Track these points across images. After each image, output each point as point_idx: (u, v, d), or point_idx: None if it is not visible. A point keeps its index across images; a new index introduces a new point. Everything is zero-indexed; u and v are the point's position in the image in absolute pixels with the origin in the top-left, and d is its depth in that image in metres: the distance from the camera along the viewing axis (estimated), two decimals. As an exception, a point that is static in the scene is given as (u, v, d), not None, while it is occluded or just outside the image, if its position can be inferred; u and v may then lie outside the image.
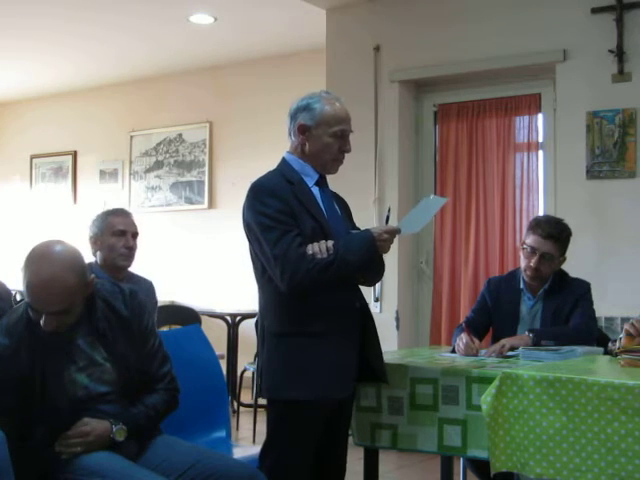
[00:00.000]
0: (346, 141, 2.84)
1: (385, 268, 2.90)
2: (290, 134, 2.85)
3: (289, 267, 2.61)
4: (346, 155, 2.89)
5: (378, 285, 5.48)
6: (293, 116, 2.83)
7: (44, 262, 2.37)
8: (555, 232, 3.45)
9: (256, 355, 2.86)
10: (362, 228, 2.87)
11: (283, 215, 2.67)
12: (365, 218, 2.90)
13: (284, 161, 2.86)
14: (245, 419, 6.04)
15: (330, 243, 2.67)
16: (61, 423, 2.42)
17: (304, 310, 2.69)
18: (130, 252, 3.49)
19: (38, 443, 2.41)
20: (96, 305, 2.51)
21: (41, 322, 2.37)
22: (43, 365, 2.42)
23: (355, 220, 2.98)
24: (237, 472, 2.46)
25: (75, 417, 2.44)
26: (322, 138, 2.79)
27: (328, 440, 2.81)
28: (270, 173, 2.83)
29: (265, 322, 2.76)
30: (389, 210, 2.98)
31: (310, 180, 2.82)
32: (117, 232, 3.46)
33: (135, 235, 3.54)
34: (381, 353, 2.90)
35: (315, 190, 2.82)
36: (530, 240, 3.47)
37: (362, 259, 2.70)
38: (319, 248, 2.64)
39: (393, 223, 2.84)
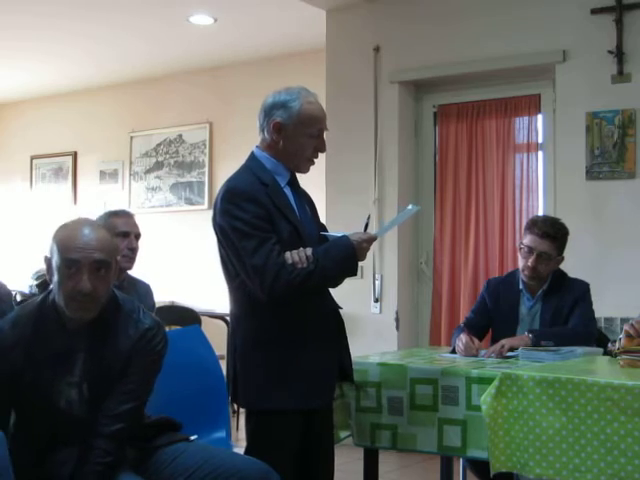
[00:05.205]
0: (322, 141, 2.72)
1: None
2: (262, 130, 2.71)
3: (269, 278, 2.51)
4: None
5: (378, 285, 5.49)
6: (268, 112, 2.69)
7: (78, 221, 2.40)
8: (551, 231, 3.46)
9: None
10: (360, 228, 2.78)
11: (260, 221, 2.56)
12: (365, 218, 2.88)
13: (254, 158, 2.72)
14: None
15: (309, 251, 2.57)
16: (43, 429, 2.37)
17: (279, 317, 2.60)
18: (133, 254, 3.46)
19: (19, 442, 2.36)
20: (109, 322, 2.39)
21: (80, 283, 2.26)
22: (38, 365, 2.33)
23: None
24: (250, 470, 2.41)
25: (55, 432, 2.36)
26: (298, 138, 2.67)
27: (312, 444, 2.73)
28: (242, 173, 2.70)
29: (239, 329, 2.66)
30: (368, 217, 2.80)
31: (282, 180, 2.70)
32: (120, 233, 3.41)
33: (138, 236, 3.51)
34: (349, 352, 2.83)
35: (287, 191, 2.71)
36: (527, 240, 3.48)
37: (342, 268, 2.62)
38: (299, 257, 2.55)
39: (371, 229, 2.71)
